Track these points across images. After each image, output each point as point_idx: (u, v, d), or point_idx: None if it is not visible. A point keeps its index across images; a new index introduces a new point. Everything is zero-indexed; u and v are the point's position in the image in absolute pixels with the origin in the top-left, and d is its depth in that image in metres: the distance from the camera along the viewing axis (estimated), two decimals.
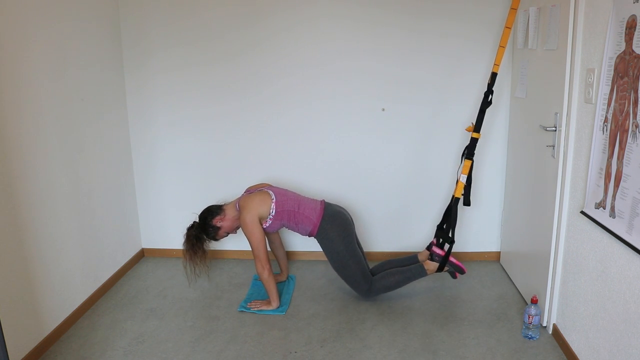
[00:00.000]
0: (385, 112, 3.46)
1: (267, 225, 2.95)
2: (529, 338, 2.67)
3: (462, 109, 3.41)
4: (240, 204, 2.97)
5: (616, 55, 2.00)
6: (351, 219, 3.09)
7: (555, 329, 2.67)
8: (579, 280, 2.40)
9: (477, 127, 2.91)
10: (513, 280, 3.31)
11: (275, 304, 2.98)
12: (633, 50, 1.88)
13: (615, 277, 2.06)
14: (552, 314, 2.68)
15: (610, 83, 2.06)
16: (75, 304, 2.92)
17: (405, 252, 3.56)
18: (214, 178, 3.65)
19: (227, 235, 3.09)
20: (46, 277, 2.65)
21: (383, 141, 3.51)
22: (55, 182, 2.74)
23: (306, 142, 3.55)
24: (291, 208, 2.95)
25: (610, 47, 2.04)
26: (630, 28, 1.89)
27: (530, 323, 2.64)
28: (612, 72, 2.04)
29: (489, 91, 2.89)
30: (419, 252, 3.21)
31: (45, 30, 2.64)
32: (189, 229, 3.03)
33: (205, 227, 3.00)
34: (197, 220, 3.05)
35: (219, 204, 3.12)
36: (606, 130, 2.09)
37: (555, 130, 2.56)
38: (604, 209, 2.11)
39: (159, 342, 2.70)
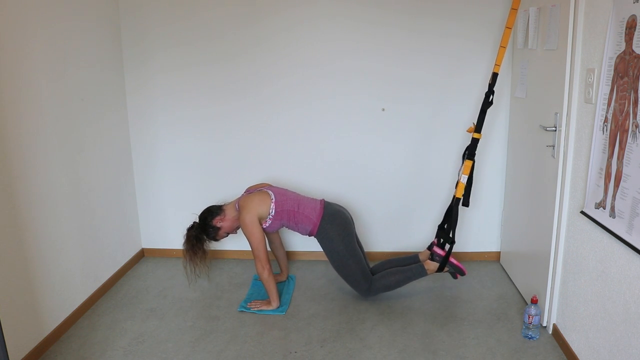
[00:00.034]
0: (385, 112, 3.46)
1: (267, 225, 2.95)
2: (529, 338, 2.67)
3: (462, 109, 3.41)
4: (239, 204, 2.97)
5: (616, 55, 2.00)
6: (351, 218, 3.09)
7: (555, 329, 2.67)
8: (579, 280, 2.40)
9: (478, 128, 2.91)
10: (513, 280, 3.31)
11: (275, 304, 2.98)
12: (633, 50, 1.88)
13: (615, 277, 2.06)
14: (552, 314, 2.68)
15: (610, 83, 2.06)
16: (75, 304, 2.92)
17: (406, 252, 3.56)
18: (214, 178, 3.65)
19: (227, 236, 3.09)
20: (46, 277, 2.65)
21: (383, 141, 3.51)
22: (55, 182, 2.74)
23: (306, 142, 3.55)
24: (291, 208, 2.95)
25: (610, 47, 2.04)
26: (630, 28, 1.89)
27: (530, 323, 2.64)
28: (612, 72, 2.04)
29: (490, 91, 2.89)
30: (420, 252, 3.21)
31: (45, 29, 2.64)
32: (189, 229, 3.03)
33: (205, 228, 3.00)
34: (197, 220, 3.05)
35: (218, 204, 3.12)
36: (606, 130, 2.09)
37: (555, 130, 2.56)
38: (604, 209, 2.11)
39: (159, 342, 2.70)
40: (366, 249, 3.62)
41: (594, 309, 2.25)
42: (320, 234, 2.95)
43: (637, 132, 1.86)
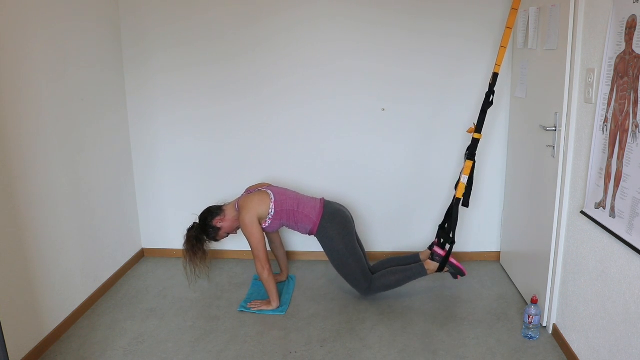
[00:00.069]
0: (385, 112, 3.46)
1: (267, 225, 2.95)
2: (529, 338, 2.67)
3: (462, 109, 3.41)
4: (239, 204, 2.97)
5: (616, 55, 2.00)
6: (351, 216, 3.09)
7: (555, 329, 2.67)
8: (579, 280, 2.40)
9: (479, 128, 2.91)
10: (513, 280, 3.31)
11: (275, 304, 2.98)
12: (633, 50, 1.88)
13: (615, 277, 2.06)
14: (552, 314, 2.68)
15: (610, 83, 2.06)
16: (75, 304, 2.92)
17: (406, 252, 3.56)
18: (214, 178, 3.65)
19: (227, 236, 3.09)
20: (46, 277, 2.65)
21: (383, 141, 3.51)
22: (55, 182, 2.74)
23: (306, 142, 3.55)
24: (290, 207, 2.95)
25: (610, 47, 2.04)
26: (630, 28, 1.89)
27: (530, 323, 2.64)
28: (612, 72, 2.04)
29: (491, 91, 2.89)
30: (421, 252, 3.21)
31: (45, 29, 2.64)
32: (189, 230, 3.03)
33: (205, 228, 3.00)
34: (197, 221, 3.05)
35: (218, 204, 3.12)
36: (606, 130, 2.09)
37: (555, 130, 2.56)
38: (604, 209, 2.11)
39: (159, 342, 2.70)
40: (366, 249, 3.62)
41: (594, 309, 2.25)
42: (320, 233, 2.95)
43: (637, 132, 1.86)
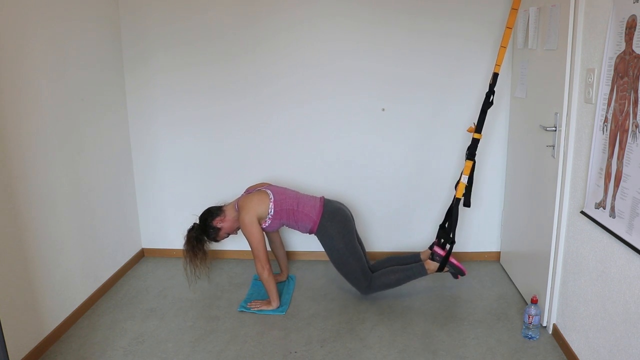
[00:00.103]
0: (385, 112, 3.46)
1: (267, 225, 2.95)
2: (529, 338, 2.67)
3: (462, 109, 3.41)
4: (239, 204, 2.97)
5: (616, 55, 2.00)
6: (351, 215, 3.09)
7: (555, 329, 2.67)
8: (579, 280, 2.40)
9: (479, 128, 2.91)
10: (513, 280, 3.31)
11: (275, 304, 2.98)
12: (633, 50, 1.88)
13: (615, 277, 2.06)
14: (552, 314, 2.68)
15: (610, 83, 2.06)
16: (75, 304, 2.92)
17: (406, 252, 3.56)
18: (214, 178, 3.65)
19: (227, 237, 3.09)
20: (46, 277, 2.65)
21: (383, 141, 3.51)
22: (55, 182, 2.74)
23: (306, 142, 3.55)
24: (290, 207, 2.95)
25: (610, 47, 2.04)
26: (630, 28, 1.89)
27: (530, 323, 2.64)
28: (612, 72, 2.04)
29: (491, 91, 2.89)
30: (421, 252, 3.21)
31: (45, 30, 2.64)
32: (190, 230, 3.02)
33: (205, 229, 2.99)
34: (197, 222, 3.05)
35: (218, 205, 3.12)
36: (606, 130, 2.09)
37: (555, 130, 2.56)
38: (604, 209, 2.11)
39: (159, 342, 2.70)
40: (366, 248, 3.61)
41: (594, 309, 2.25)
42: (320, 232, 2.95)
43: (637, 132, 1.86)
